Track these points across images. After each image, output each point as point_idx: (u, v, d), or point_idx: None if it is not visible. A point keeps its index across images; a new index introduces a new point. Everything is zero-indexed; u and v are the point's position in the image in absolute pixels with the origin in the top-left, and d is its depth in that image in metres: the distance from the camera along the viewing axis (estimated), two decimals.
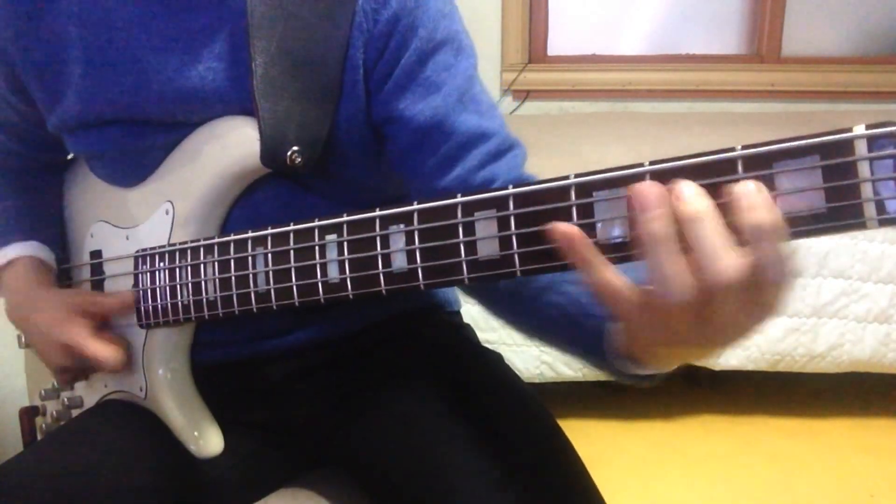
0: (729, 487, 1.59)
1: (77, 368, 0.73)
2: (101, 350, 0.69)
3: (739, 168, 0.38)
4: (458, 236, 0.48)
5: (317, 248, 0.55)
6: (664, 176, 0.39)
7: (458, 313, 0.88)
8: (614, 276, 0.41)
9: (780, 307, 0.38)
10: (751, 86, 2.50)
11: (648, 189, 0.38)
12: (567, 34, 2.60)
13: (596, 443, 1.73)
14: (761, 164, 0.37)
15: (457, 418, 0.69)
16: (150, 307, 0.69)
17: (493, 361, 0.78)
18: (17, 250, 0.79)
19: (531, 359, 1.74)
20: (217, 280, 0.63)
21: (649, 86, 2.53)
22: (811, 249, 1.64)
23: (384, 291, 0.52)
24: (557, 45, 2.59)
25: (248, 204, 0.69)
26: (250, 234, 0.60)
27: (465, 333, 0.85)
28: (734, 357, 1.69)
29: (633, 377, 0.53)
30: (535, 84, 2.54)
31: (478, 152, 0.64)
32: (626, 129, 2.19)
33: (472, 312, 1.61)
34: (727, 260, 0.36)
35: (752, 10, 2.56)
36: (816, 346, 1.67)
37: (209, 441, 0.71)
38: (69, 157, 0.86)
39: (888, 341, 1.66)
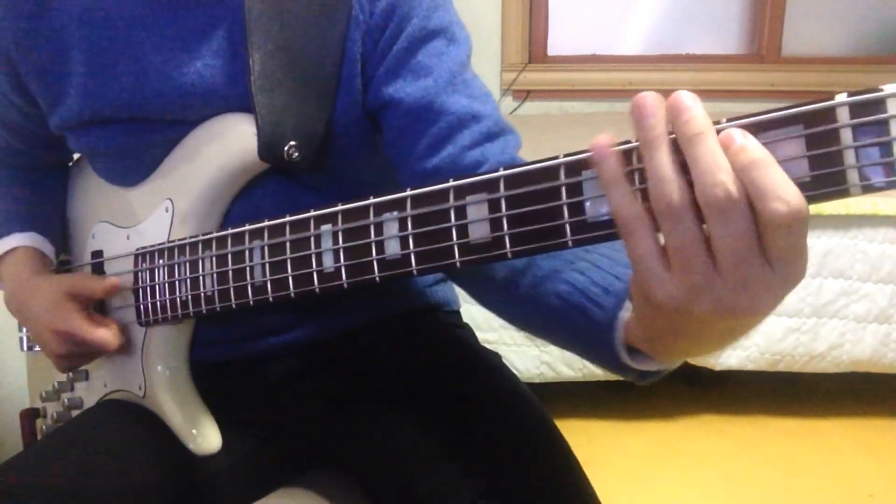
0: (729, 487, 1.59)
1: (76, 354, 0.73)
2: (98, 333, 0.69)
3: None
4: (449, 220, 0.48)
5: (312, 238, 0.55)
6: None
7: (457, 313, 0.88)
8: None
9: (791, 266, 0.37)
10: (751, 86, 2.49)
11: (649, 97, 0.38)
12: (567, 34, 2.59)
13: (596, 443, 1.73)
14: None
15: (455, 419, 0.69)
16: (150, 304, 0.69)
17: (492, 362, 0.78)
18: (16, 240, 0.80)
19: (531, 359, 1.74)
20: (215, 274, 0.63)
21: (649, 86, 2.47)
22: (811, 249, 1.64)
23: (378, 279, 0.52)
24: (557, 45, 2.59)
25: (247, 201, 0.69)
26: (247, 228, 0.60)
27: (464, 333, 0.85)
28: (734, 357, 1.69)
29: (637, 373, 0.52)
30: (535, 84, 2.54)
31: (469, 132, 0.64)
32: (626, 129, 2.18)
33: (472, 312, 1.61)
34: (723, 174, 0.35)
35: (752, 10, 2.56)
36: (816, 346, 1.67)
37: (207, 438, 0.71)
38: (74, 156, 0.87)
39: (888, 341, 1.66)
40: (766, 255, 0.36)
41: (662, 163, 0.37)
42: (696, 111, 0.37)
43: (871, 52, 2.55)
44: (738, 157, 0.35)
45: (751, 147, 0.35)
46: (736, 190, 0.35)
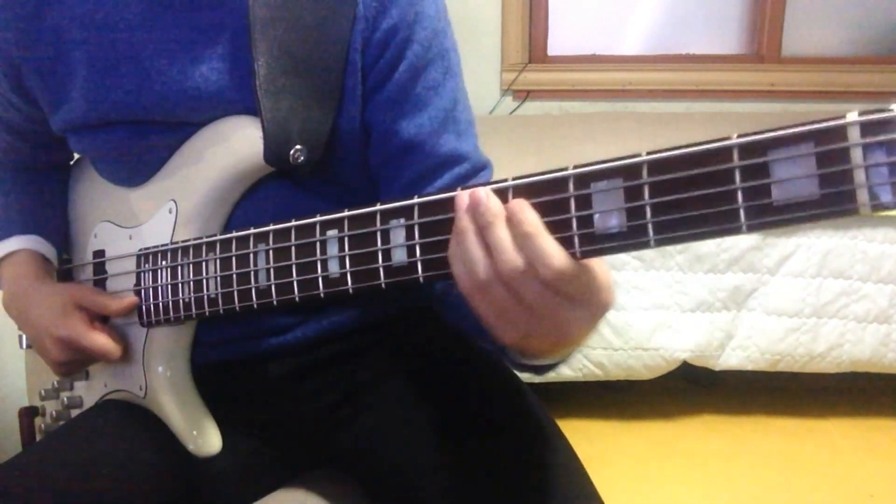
0: (729, 487, 1.59)
1: (75, 361, 0.73)
2: (99, 341, 0.69)
3: (735, 157, 0.38)
4: None
5: (318, 243, 0.55)
6: (658, 165, 0.40)
7: None
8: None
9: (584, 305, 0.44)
10: (751, 86, 2.49)
11: (463, 197, 0.46)
12: (567, 34, 2.59)
13: (596, 443, 1.73)
14: (756, 153, 0.38)
15: (455, 418, 0.69)
16: (152, 305, 0.69)
17: (494, 361, 0.78)
18: (17, 243, 0.79)
19: None
20: (218, 277, 0.63)
21: (649, 86, 2.53)
22: (811, 249, 1.64)
23: (384, 285, 0.52)
24: (557, 45, 2.59)
25: (249, 205, 0.69)
26: (252, 231, 0.60)
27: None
28: (734, 357, 1.69)
29: (535, 369, 0.59)
30: (535, 84, 2.54)
31: (451, 174, 0.69)
32: (626, 129, 2.19)
33: None
34: (509, 255, 0.44)
35: (752, 10, 2.56)
36: (816, 346, 1.67)
37: (208, 440, 0.71)
38: (75, 156, 0.86)
39: (888, 341, 1.66)
40: (565, 298, 0.44)
41: (467, 249, 0.45)
42: (485, 205, 0.45)
43: (870, 52, 2.55)
44: (516, 229, 0.44)
45: (525, 221, 0.43)
46: (522, 262, 0.43)
